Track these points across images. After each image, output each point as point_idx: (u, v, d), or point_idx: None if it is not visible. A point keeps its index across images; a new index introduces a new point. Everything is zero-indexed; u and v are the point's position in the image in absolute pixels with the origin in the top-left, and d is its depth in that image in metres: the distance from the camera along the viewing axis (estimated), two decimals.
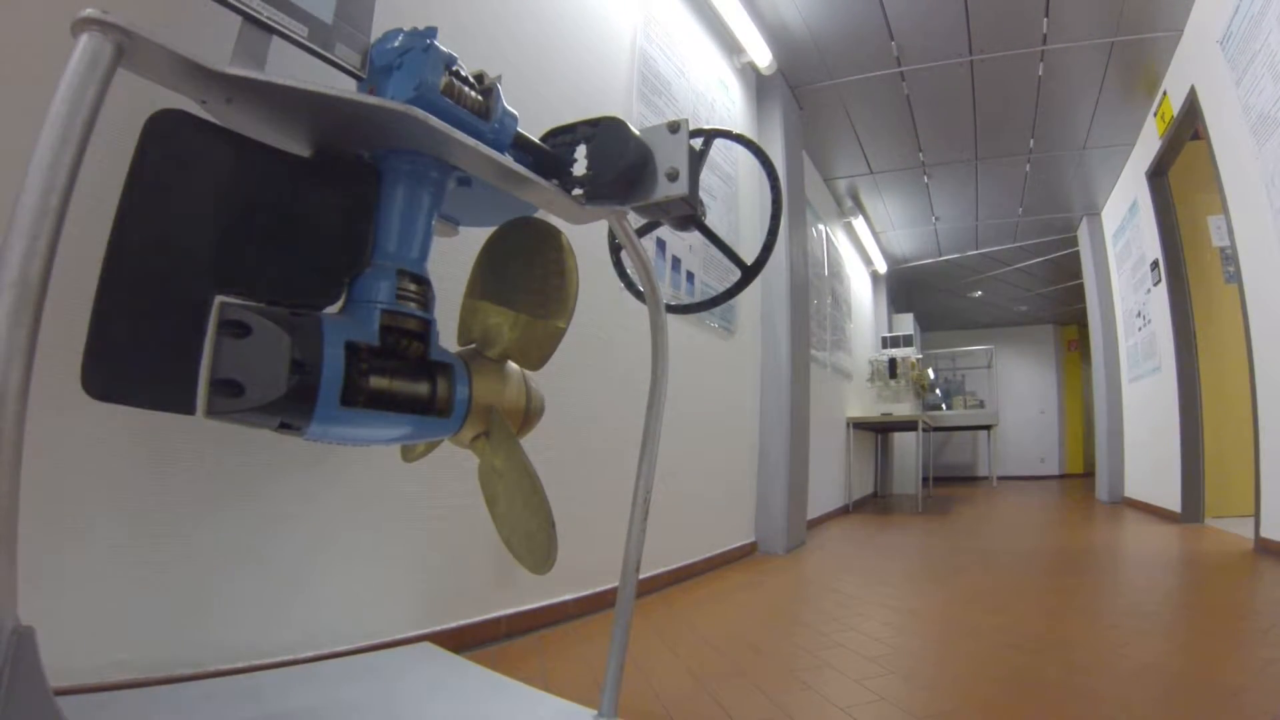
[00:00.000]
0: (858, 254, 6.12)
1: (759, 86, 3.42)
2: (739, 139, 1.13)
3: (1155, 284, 4.25)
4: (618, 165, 0.86)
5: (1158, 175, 4.13)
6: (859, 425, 5.39)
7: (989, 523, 4.30)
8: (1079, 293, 6.31)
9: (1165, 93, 3.66)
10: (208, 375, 0.65)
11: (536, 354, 0.93)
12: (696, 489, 2.45)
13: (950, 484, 8.38)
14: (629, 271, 1.21)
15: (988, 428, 7.86)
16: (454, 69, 0.78)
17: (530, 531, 0.88)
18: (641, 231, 1.18)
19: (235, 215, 0.67)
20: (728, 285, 1.10)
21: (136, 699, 0.85)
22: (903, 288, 7.78)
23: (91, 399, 0.58)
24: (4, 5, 0.82)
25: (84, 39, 0.53)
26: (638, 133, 0.90)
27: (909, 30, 3.27)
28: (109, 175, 0.62)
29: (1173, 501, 3.96)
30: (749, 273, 1.10)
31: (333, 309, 0.76)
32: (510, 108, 0.84)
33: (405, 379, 0.78)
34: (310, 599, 1.12)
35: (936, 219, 5.86)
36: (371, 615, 1.22)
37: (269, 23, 0.72)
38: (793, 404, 3.10)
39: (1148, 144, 4.14)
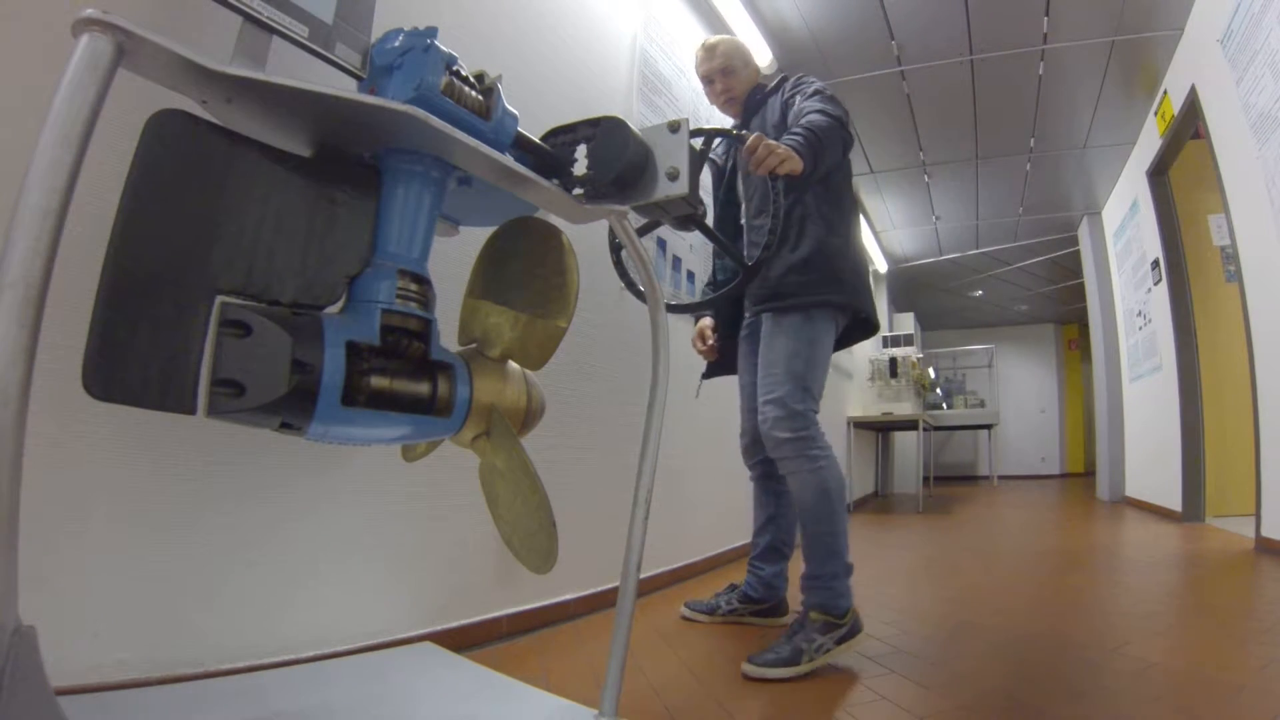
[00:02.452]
0: None
1: None
2: (739, 138, 1.13)
3: (1156, 283, 4.24)
4: (618, 165, 0.86)
5: (1158, 174, 4.12)
6: (860, 424, 5.39)
7: (990, 522, 4.30)
8: (1080, 292, 6.31)
9: (1166, 92, 3.65)
10: (209, 375, 0.65)
11: (537, 353, 0.93)
12: (698, 488, 2.45)
13: (951, 483, 8.38)
14: (629, 271, 1.21)
15: (988, 427, 7.86)
16: (454, 69, 0.78)
17: (531, 531, 0.88)
18: (641, 231, 1.18)
19: (236, 215, 0.67)
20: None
21: (136, 699, 0.85)
22: (903, 287, 7.77)
23: (93, 399, 0.58)
24: (4, 5, 0.82)
25: (84, 39, 0.53)
26: (638, 132, 0.90)
27: (909, 29, 3.27)
28: (110, 175, 0.62)
29: (1173, 500, 3.96)
30: (749, 273, 1.10)
31: (333, 309, 0.75)
32: (510, 107, 0.84)
33: (406, 379, 0.78)
34: (311, 598, 1.12)
35: (937, 218, 5.86)
36: (372, 615, 1.22)
37: (269, 23, 0.72)
38: None
39: (1148, 143, 4.14)
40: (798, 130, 1.29)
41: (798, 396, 1.38)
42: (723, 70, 1.69)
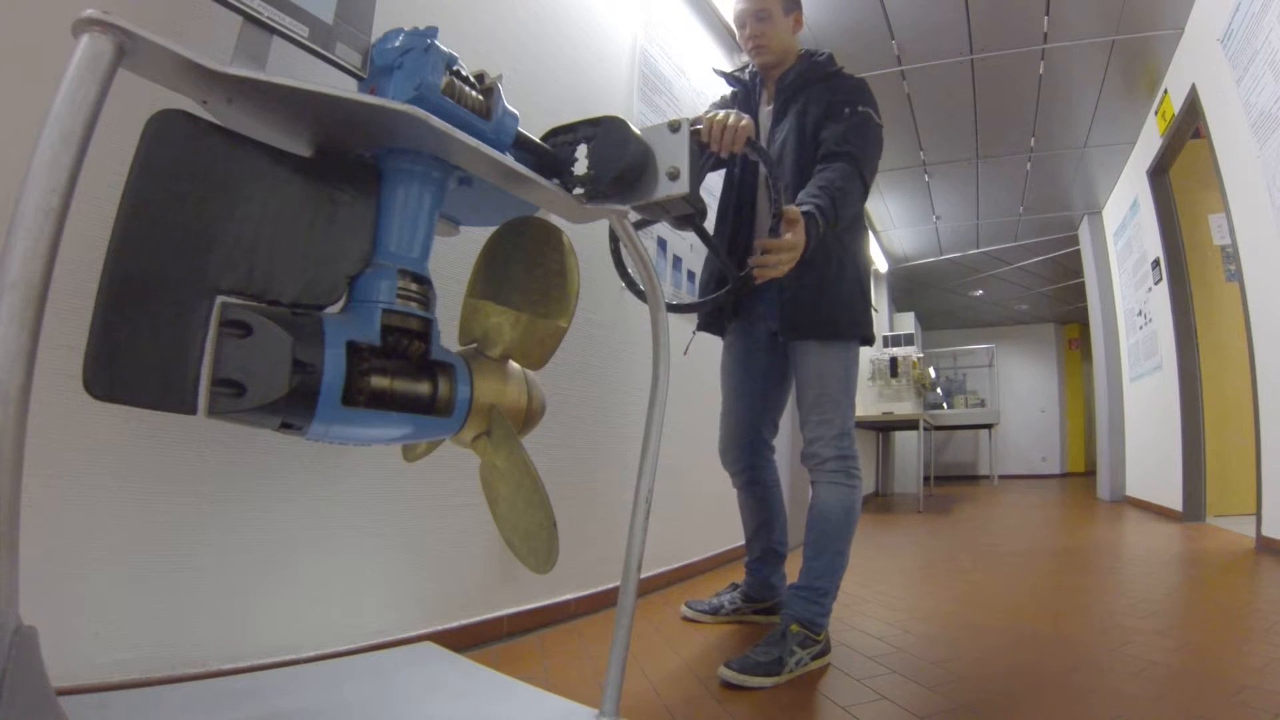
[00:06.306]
0: None
1: None
2: (761, 153, 1.12)
3: (1156, 282, 4.24)
4: (619, 164, 0.86)
5: (1159, 173, 4.12)
6: (860, 424, 5.38)
7: (990, 522, 4.30)
8: (1080, 291, 6.31)
9: (1166, 91, 3.65)
10: (209, 375, 0.65)
11: (538, 353, 0.93)
12: (698, 488, 2.45)
13: (951, 483, 8.37)
14: (630, 270, 1.21)
15: (989, 426, 7.86)
16: (455, 69, 0.78)
17: (532, 531, 0.88)
18: (638, 226, 1.18)
19: (236, 215, 0.67)
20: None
21: (136, 699, 0.85)
22: (904, 286, 7.77)
23: (94, 399, 0.58)
24: (4, 5, 0.82)
25: (85, 39, 0.53)
26: (638, 132, 0.90)
27: (909, 29, 3.26)
28: (110, 175, 0.62)
29: (1174, 500, 3.95)
30: (738, 283, 1.10)
31: (334, 309, 0.76)
32: (511, 107, 0.84)
33: (406, 379, 0.78)
34: (311, 598, 1.12)
35: (937, 218, 5.86)
36: (372, 615, 1.22)
37: (269, 23, 0.72)
38: (793, 402, 3.09)
39: (1149, 142, 4.14)
40: (815, 201, 1.26)
41: (849, 422, 1.46)
42: (757, 14, 1.62)
